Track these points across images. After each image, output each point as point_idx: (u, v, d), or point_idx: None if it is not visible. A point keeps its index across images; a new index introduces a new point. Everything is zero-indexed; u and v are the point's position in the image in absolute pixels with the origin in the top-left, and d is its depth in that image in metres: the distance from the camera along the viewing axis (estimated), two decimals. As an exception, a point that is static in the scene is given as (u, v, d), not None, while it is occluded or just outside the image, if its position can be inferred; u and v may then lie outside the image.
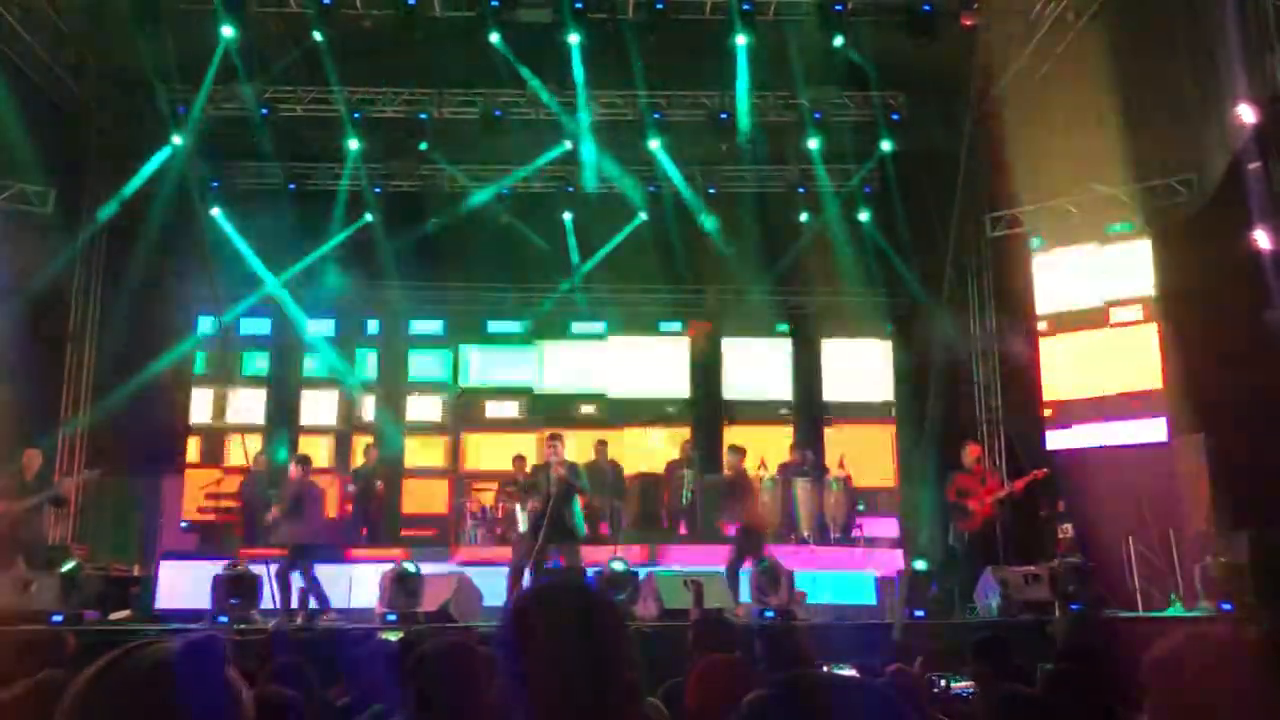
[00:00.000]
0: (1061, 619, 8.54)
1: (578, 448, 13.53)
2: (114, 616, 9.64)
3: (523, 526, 10.91)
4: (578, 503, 10.28)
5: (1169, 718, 1.61)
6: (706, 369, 16.39)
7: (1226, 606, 9.33)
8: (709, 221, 15.29)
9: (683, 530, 13.98)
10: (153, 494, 14.17)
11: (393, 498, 15.00)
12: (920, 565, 10.05)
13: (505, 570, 10.42)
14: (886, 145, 14.30)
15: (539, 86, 13.71)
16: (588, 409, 16.14)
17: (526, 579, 9.89)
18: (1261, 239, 10.25)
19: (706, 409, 16.18)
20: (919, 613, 9.49)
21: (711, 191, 15.62)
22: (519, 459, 13.38)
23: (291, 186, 15.40)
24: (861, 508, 14.06)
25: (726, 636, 4.44)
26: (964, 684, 4.81)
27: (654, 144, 14.63)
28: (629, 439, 15.52)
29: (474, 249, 15.51)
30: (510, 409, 16.22)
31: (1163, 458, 12.02)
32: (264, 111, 14.12)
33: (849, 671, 4.51)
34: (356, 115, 14.29)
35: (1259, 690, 1.54)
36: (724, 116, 14.22)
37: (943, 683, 4.94)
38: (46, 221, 13.05)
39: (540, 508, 9.92)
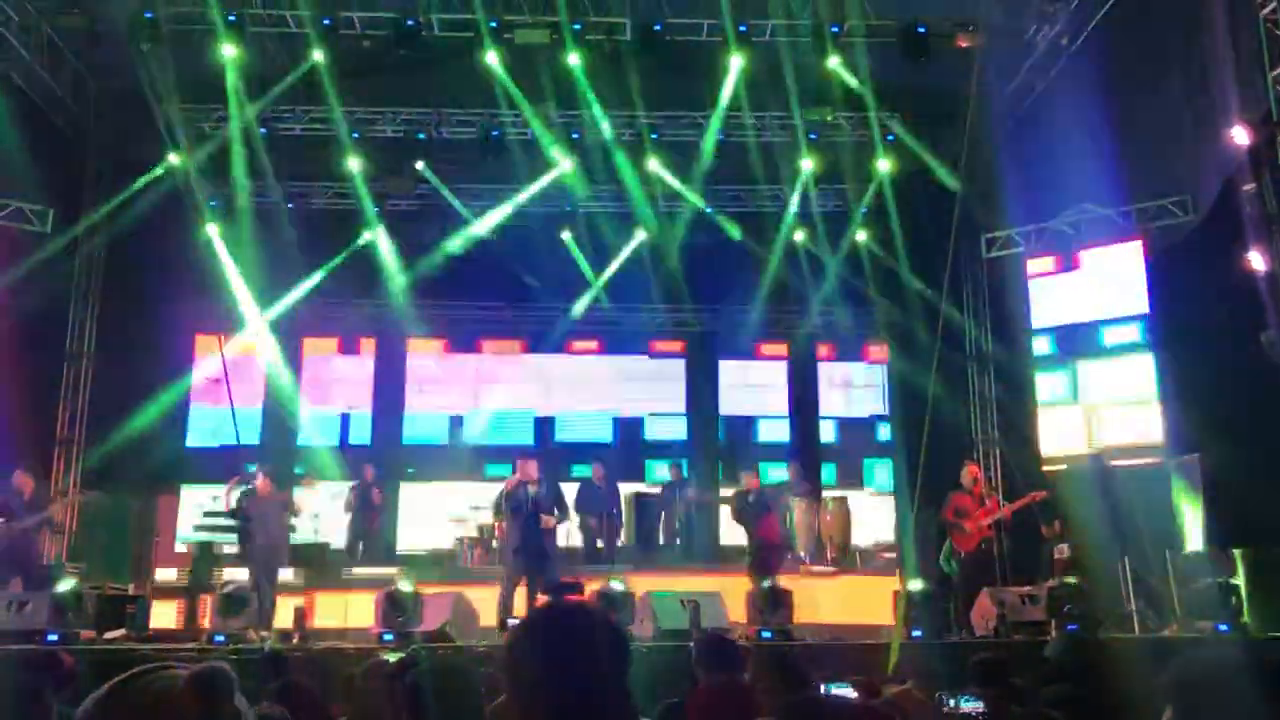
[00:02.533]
0: (1057, 640, 8.54)
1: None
2: (109, 636, 9.58)
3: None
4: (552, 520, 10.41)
5: None
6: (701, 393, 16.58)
7: (1223, 627, 9.33)
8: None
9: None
10: (148, 512, 14.11)
11: (390, 516, 14.99)
12: (916, 585, 10.03)
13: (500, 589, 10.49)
14: (883, 166, 14.35)
15: (530, 112, 13.76)
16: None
17: (518, 600, 9.97)
18: (1256, 260, 10.29)
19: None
20: (916, 633, 9.47)
21: (708, 211, 15.67)
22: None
23: (290, 205, 15.41)
24: (858, 529, 14.08)
25: (730, 656, 4.42)
26: (974, 704, 4.79)
27: (653, 164, 14.72)
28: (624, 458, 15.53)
29: (472, 268, 15.55)
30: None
31: (1159, 478, 12.03)
32: (263, 131, 14.16)
33: (847, 691, 4.50)
34: (355, 135, 14.35)
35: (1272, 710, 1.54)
36: (721, 138, 14.33)
37: (951, 702, 4.92)
38: (45, 240, 13.06)
39: (517, 528, 10.02)
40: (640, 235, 15.78)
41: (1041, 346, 13.58)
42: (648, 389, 16.71)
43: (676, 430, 16.57)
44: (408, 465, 16.04)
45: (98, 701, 1.42)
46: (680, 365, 16.92)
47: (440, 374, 16.69)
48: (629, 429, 16.50)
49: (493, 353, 16.75)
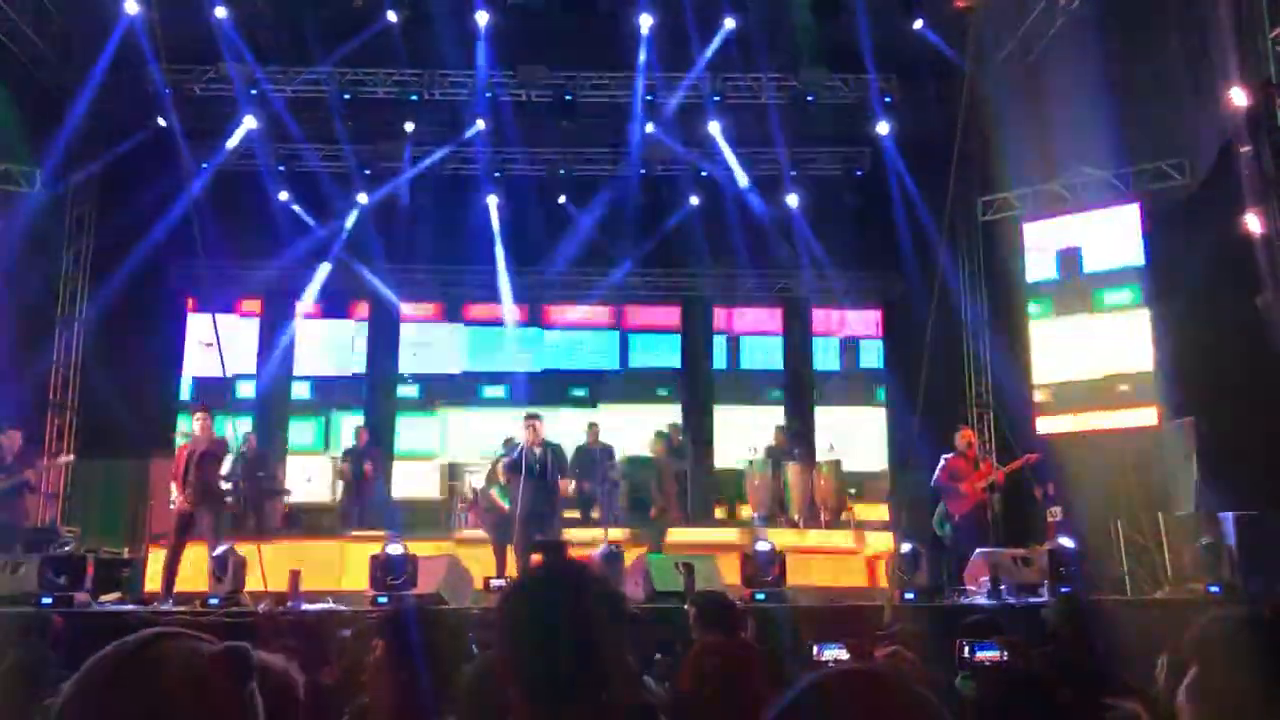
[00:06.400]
0: (1054, 603, 8.59)
1: (569, 430, 13.58)
2: (104, 599, 9.58)
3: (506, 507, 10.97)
4: (558, 483, 10.42)
5: (1211, 698, 1.58)
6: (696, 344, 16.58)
7: (1214, 589, 9.37)
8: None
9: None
10: (142, 476, 14.10)
11: (384, 481, 15.00)
12: (907, 548, 10.05)
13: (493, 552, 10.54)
14: (882, 128, 14.26)
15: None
16: (578, 391, 16.31)
17: (510, 561, 10.00)
18: (1252, 223, 10.25)
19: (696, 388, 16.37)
20: (909, 595, 9.50)
21: (704, 173, 15.57)
22: (509, 442, 13.35)
23: (281, 168, 15.29)
24: (852, 491, 14.09)
25: (729, 616, 4.41)
26: (991, 652, 4.77)
27: (649, 126, 14.62)
28: (618, 422, 15.50)
29: (465, 230, 15.46)
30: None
31: (1152, 441, 12.06)
32: (253, 92, 14.01)
33: (840, 652, 4.51)
34: (345, 96, 14.20)
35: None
36: (716, 99, 14.23)
37: (967, 650, 4.91)
38: (33, 201, 12.95)
39: (520, 487, 10.01)
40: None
41: (1037, 308, 13.57)
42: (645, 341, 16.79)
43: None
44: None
45: (102, 668, 1.31)
46: (675, 327, 16.89)
47: (436, 338, 16.68)
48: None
49: (485, 317, 16.68)
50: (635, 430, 14.27)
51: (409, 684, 2.74)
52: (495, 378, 16.41)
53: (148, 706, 1.30)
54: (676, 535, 12.21)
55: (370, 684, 3.02)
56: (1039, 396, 13.37)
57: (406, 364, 16.45)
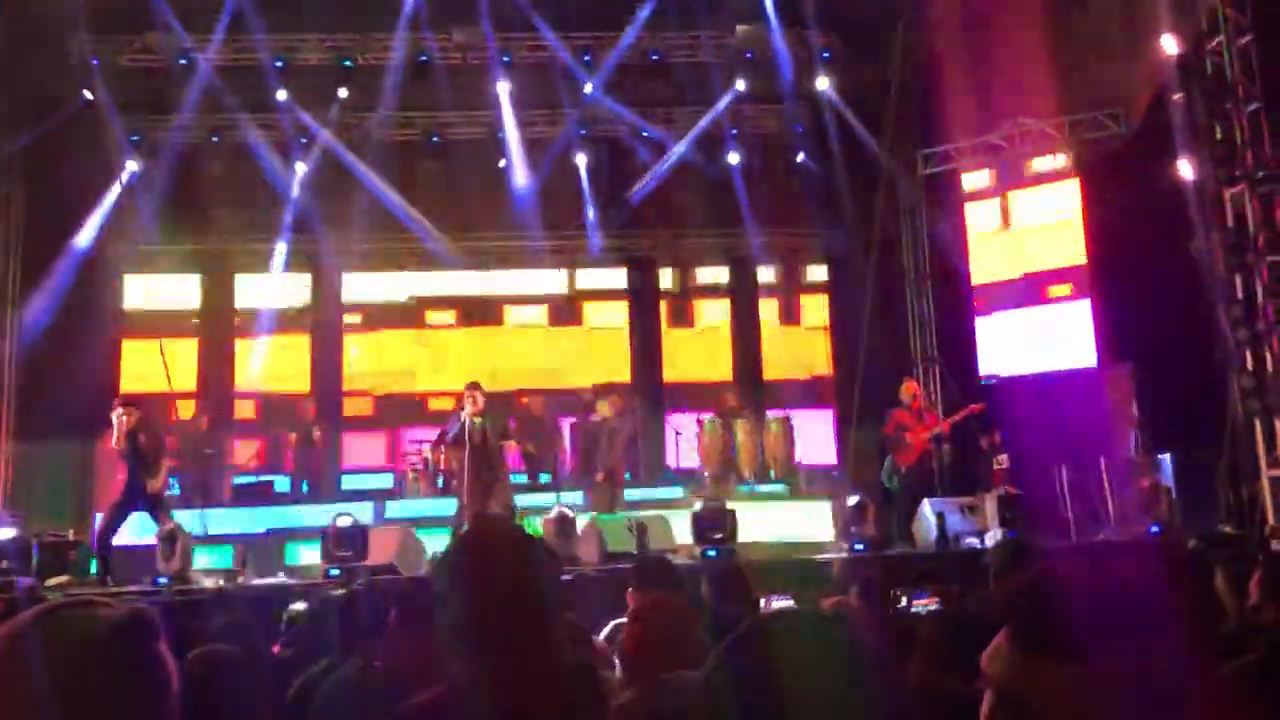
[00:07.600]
0: (996, 547, 8.75)
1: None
2: (51, 582, 9.46)
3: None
4: (503, 448, 10.48)
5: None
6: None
7: (1154, 529, 9.61)
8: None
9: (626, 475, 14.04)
10: (86, 457, 13.88)
11: (333, 454, 14.86)
12: (855, 500, 10.19)
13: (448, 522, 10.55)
14: (821, 84, 14.25)
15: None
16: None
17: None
18: (1184, 170, 10.41)
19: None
20: (858, 546, 9.65)
21: (645, 134, 15.46)
22: (455, 414, 13.28)
23: (215, 139, 14.95)
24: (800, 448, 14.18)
25: (667, 576, 4.48)
26: (925, 602, 4.87)
27: (589, 87, 14.48)
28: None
29: (410, 195, 15.24)
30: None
31: (1093, 387, 12.29)
32: (182, 61, 13.70)
33: (787, 603, 4.57)
34: (279, 62, 13.91)
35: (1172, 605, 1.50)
36: (655, 57, 14.14)
37: (903, 600, 5.00)
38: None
39: (465, 457, 10.03)
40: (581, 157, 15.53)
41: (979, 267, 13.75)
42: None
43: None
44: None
45: (13, 635, 1.34)
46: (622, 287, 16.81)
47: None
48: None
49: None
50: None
51: (427, 646, 2.81)
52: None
53: (47, 675, 1.31)
54: (628, 496, 12.27)
55: (386, 649, 3.10)
56: (980, 340, 13.56)
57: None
